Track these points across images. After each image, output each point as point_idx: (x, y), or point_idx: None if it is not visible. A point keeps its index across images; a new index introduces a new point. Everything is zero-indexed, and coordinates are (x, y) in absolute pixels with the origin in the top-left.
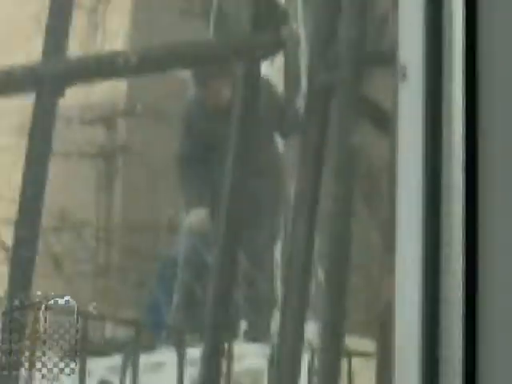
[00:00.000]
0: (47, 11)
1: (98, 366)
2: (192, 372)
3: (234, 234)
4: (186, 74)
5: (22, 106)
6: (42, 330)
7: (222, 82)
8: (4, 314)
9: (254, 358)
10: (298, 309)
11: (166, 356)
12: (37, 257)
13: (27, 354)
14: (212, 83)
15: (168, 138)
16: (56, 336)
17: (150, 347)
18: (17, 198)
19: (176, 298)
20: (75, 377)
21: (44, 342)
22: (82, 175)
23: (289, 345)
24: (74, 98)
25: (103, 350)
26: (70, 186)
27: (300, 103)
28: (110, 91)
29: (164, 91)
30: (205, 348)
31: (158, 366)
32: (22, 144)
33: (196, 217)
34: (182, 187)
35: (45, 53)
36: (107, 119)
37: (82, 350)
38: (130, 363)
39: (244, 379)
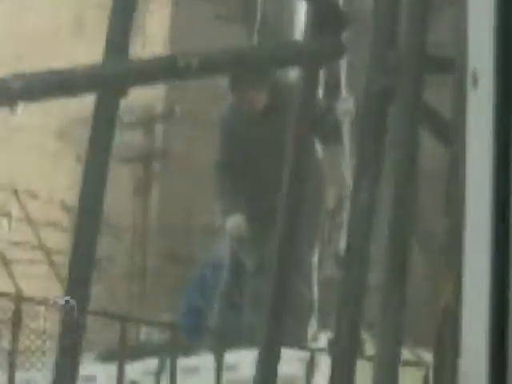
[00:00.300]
0: (88, 14)
1: (133, 370)
2: (228, 376)
3: (289, 240)
4: (223, 80)
5: (60, 111)
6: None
7: (256, 88)
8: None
9: (290, 363)
10: (354, 317)
11: (202, 360)
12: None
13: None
14: (246, 90)
15: (205, 142)
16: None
17: (186, 351)
18: (54, 199)
19: (215, 302)
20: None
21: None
22: (119, 179)
23: (344, 353)
24: None
25: (138, 354)
26: (107, 190)
27: (340, 109)
28: (147, 95)
29: (202, 95)
30: (261, 352)
31: (194, 370)
32: (62, 148)
33: (233, 223)
34: (219, 194)
35: (106, 54)
36: (145, 123)
37: (119, 352)
38: (166, 366)
39: None
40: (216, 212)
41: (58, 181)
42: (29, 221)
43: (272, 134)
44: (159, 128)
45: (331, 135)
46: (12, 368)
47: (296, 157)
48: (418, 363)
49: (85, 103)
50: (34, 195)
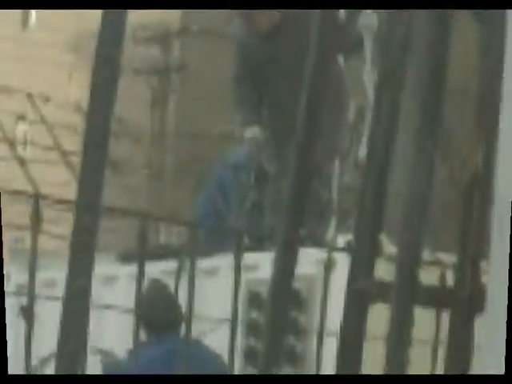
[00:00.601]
0: None
1: (152, 270)
2: (248, 277)
3: (308, 146)
4: None
5: (72, 27)
6: None
7: (258, 11)
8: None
9: (308, 263)
10: (374, 221)
11: (222, 261)
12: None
13: None
14: (250, 12)
15: (222, 56)
16: None
17: (205, 253)
18: (69, 103)
19: (234, 203)
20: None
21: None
22: (136, 91)
23: (363, 254)
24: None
25: (157, 255)
26: (124, 100)
27: (362, 23)
28: (163, 12)
29: (217, 12)
30: (278, 252)
31: (213, 270)
32: (76, 61)
33: (250, 134)
34: (237, 106)
35: None
36: (161, 38)
37: (138, 251)
38: (185, 267)
39: (299, 284)
40: (235, 122)
41: (72, 91)
42: (44, 122)
43: (288, 50)
44: (176, 43)
45: (353, 48)
46: (32, 269)
47: (315, 70)
48: (434, 263)
49: (96, 16)
50: (48, 98)
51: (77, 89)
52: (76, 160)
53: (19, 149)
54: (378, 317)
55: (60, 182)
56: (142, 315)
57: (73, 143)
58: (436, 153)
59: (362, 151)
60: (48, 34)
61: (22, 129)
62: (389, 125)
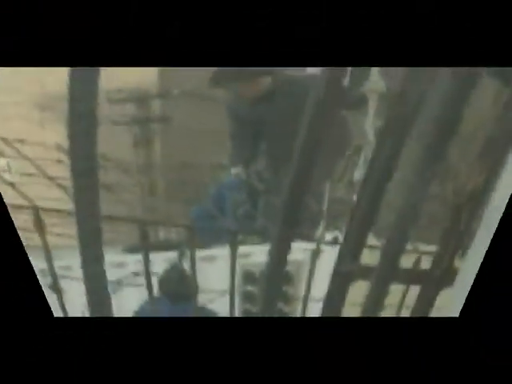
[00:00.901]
0: None
1: (155, 260)
2: (241, 262)
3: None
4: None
5: (37, 89)
6: None
7: (240, 81)
8: None
9: (298, 252)
10: (365, 224)
11: (218, 251)
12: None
13: None
14: (228, 85)
15: (204, 115)
16: None
17: (201, 247)
18: (48, 144)
19: (229, 212)
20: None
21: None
22: (117, 138)
23: (350, 247)
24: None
25: (159, 248)
26: (106, 145)
27: (368, 87)
28: (140, 76)
29: (198, 75)
30: (272, 248)
31: (211, 258)
32: (48, 116)
33: (236, 172)
34: (231, 144)
35: None
36: (138, 99)
37: (142, 246)
38: (186, 256)
39: (289, 267)
40: (225, 153)
41: (47, 136)
42: (24, 157)
43: (282, 110)
44: (155, 103)
45: (356, 106)
46: (49, 259)
47: (314, 126)
48: (411, 251)
49: (62, 79)
50: (23, 141)
51: (52, 135)
52: (65, 182)
53: (6, 176)
54: (359, 290)
55: (54, 197)
56: (162, 288)
57: (58, 170)
58: (434, 178)
59: (357, 173)
60: (9, 96)
61: (3, 163)
62: (388, 161)
